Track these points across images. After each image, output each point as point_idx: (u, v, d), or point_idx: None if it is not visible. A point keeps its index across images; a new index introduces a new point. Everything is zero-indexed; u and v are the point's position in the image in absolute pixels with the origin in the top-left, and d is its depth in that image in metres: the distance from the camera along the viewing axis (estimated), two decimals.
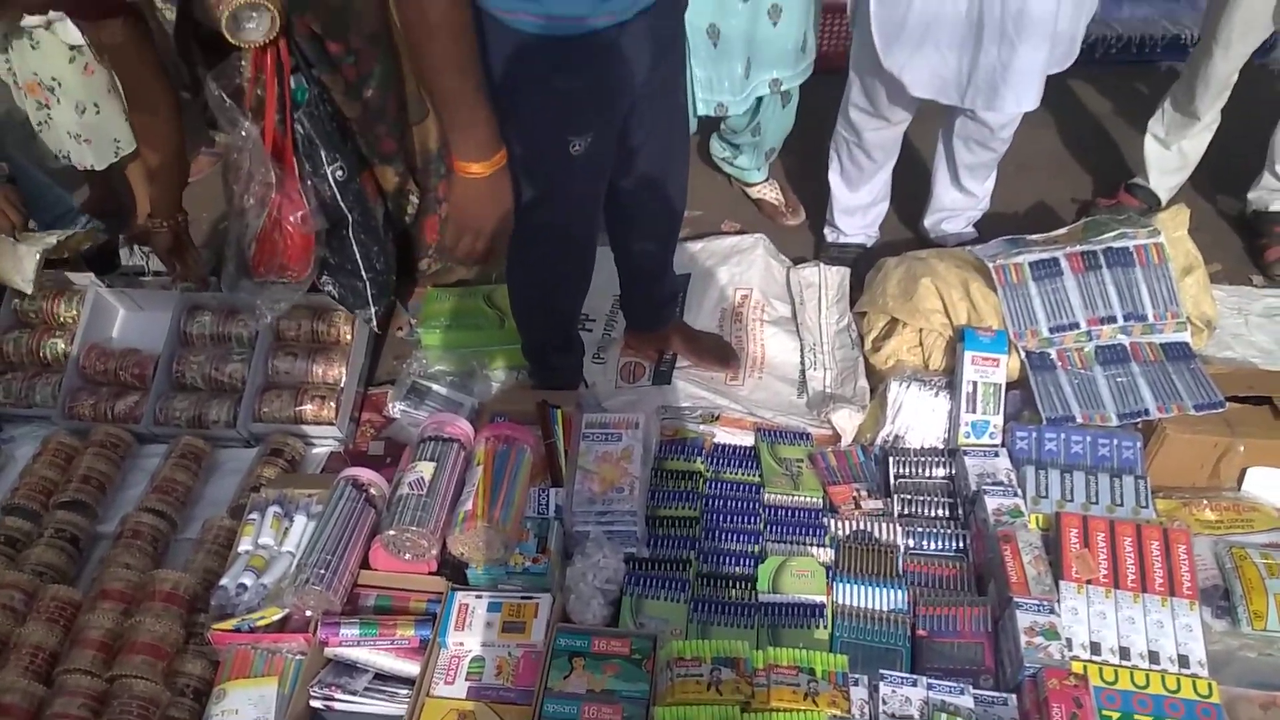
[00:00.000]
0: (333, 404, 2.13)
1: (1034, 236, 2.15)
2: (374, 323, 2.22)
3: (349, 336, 2.23)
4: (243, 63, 1.82)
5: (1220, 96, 2.35)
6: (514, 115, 1.40)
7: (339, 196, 1.96)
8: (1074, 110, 3.10)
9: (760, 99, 2.38)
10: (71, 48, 2.20)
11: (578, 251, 1.77)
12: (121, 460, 2.08)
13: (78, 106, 2.25)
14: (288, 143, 1.88)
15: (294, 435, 2.10)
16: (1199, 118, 2.39)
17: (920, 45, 1.93)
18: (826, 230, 2.54)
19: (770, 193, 2.73)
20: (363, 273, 2.11)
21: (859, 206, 2.44)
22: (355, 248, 2.07)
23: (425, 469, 1.68)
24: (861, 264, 2.43)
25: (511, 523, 1.64)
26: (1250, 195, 2.55)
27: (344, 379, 2.17)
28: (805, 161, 2.81)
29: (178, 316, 2.25)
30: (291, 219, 1.91)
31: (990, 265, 2.03)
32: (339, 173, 1.94)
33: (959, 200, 2.41)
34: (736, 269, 2.48)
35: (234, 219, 1.96)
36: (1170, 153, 2.51)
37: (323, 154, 1.91)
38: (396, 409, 2.18)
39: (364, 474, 1.76)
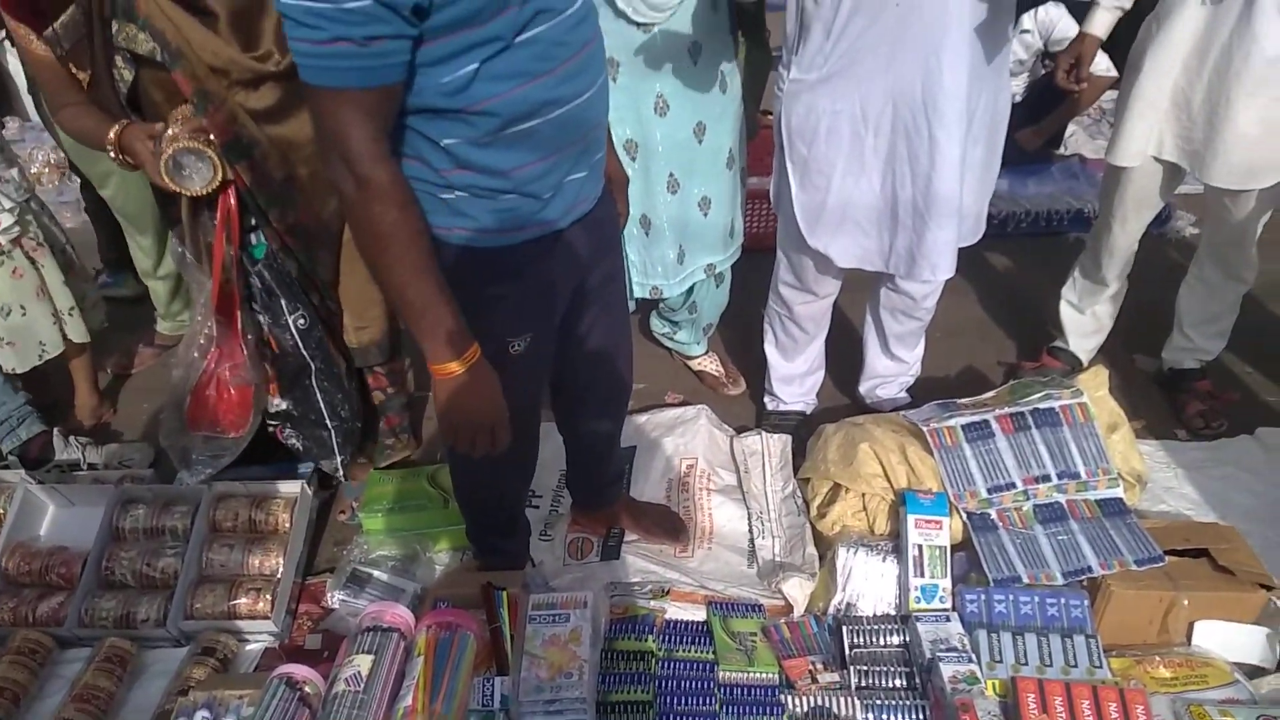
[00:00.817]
0: (269, 596, 2.05)
1: (964, 400, 2.22)
2: (341, 471, 2.19)
3: (288, 524, 2.18)
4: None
5: (1124, 265, 2.52)
6: None
7: (301, 344, 1.95)
8: (993, 279, 3.28)
9: (693, 285, 2.49)
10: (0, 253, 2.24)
11: (520, 443, 1.78)
12: (40, 668, 1.96)
13: (3, 309, 2.27)
14: (234, 295, 1.89)
15: (227, 632, 2.01)
16: (1107, 285, 2.55)
17: (841, 224, 2.05)
18: (766, 399, 2.60)
19: (710, 364, 2.80)
20: (327, 421, 2.10)
21: (795, 375, 2.51)
22: (319, 396, 2.06)
23: (363, 662, 1.61)
24: (802, 430, 2.48)
25: (454, 716, 1.57)
26: (1164, 354, 2.68)
27: (281, 569, 2.11)
28: (742, 332, 2.90)
29: (110, 510, 2.18)
30: (226, 371, 1.90)
31: (925, 429, 2.09)
32: (300, 321, 1.93)
33: (891, 367, 2.50)
34: (681, 439, 2.50)
35: (177, 370, 1.94)
36: (1085, 317, 2.65)
37: (283, 303, 1.91)
38: (335, 599, 2.10)
39: (298, 671, 1.67)
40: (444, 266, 1.33)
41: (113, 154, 1.72)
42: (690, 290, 2.55)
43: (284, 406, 2.10)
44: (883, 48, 1.81)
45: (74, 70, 1.69)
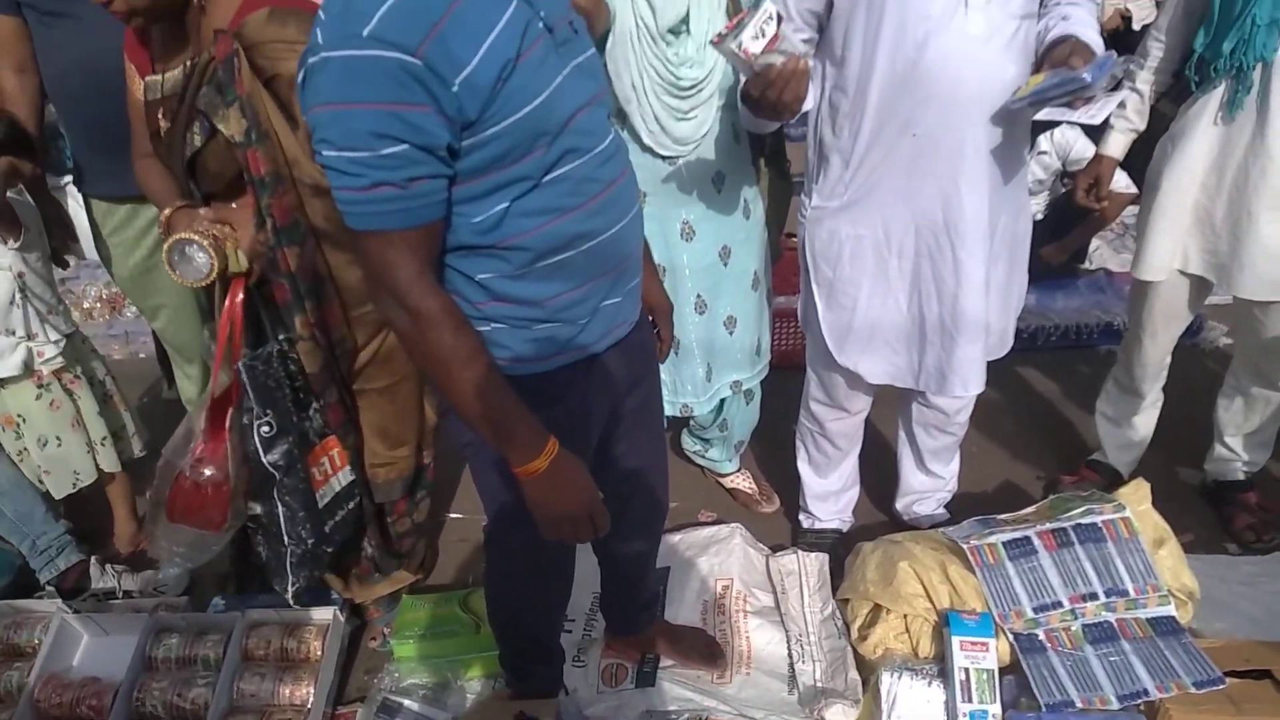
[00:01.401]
0: None
1: (1003, 516, 2.18)
2: (289, 595, 2.08)
3: (319, 652, 2.15)
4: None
5: (1158, 377, 2.50)
6: (488, 446, 1.39)
7: (261, 452, 1.90)
8: (1026, 393, 3.26)
9: (724, 399, 2.51)
10: (40, 386, 2.33)
11: (556, 571, 1.77)
12: None
13: (40, 440, 2.34)
14: (232, 390, 1.87)
15: None
16: (1143, 397, 2.53)
17: (869, 342, 2.08)
18: (801, 516, 2.57)
19: (744, 482, 2.79)
20: (285, 539, 2.00)
21: (830, 493, 2.49)
22: (280, 510, 1.98)
23: None
24: (839, 549, 2.44)
25: None
26: (1207, 466, 2.63)
27: (312, 699, 2.07)
28: (775, 449, 2.89)
29: (143, 640, 2.17)
30: (200, 468, 1.88)
31: (965, 547, 2.05)
32: (265, 429, 1.89)
33: (927, 483, 2.47)
34: (715, 559, 2.47)
35: (163, 459, 1.93)
36: (1122, 430, 2.62)
37: (254, 406, 1.87)
38: None
39: None
40: None
41: (160, 230, 1.80)
42: (720, 407, 2.57)
43: (257, 511, 2.07)
44: (901, 176, 1.87)
45: (160, 118, 1.76)
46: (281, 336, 1.82)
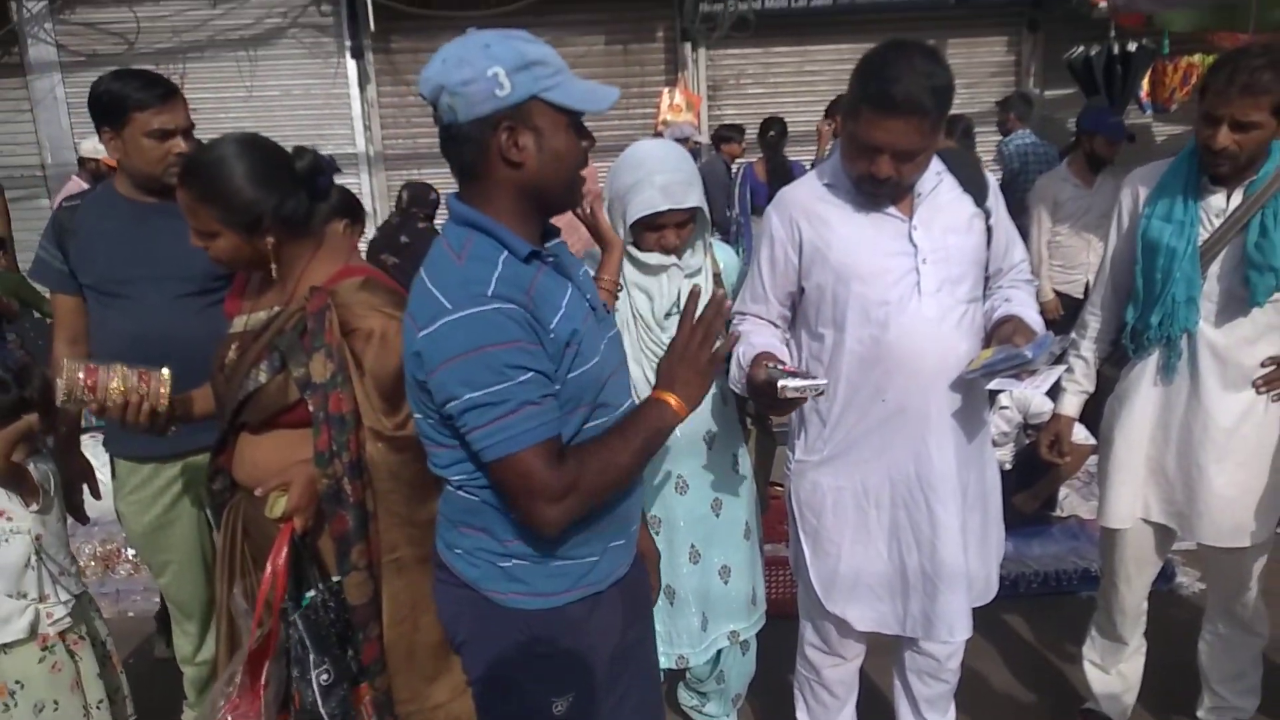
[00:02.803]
0: None
1: None
2: None
3: None
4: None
5: (1138, 623, 2.57)
6: (501, 680, 1.54)
7: (320, 701, 1.88)
8: (1014, 640, 3.30)
9: (720, 650, 2.54)
10: (44, 648, 2.33)
11: None
12: None
13: (36, 706, 2.30)
14: (270, 643, 1.88)
15: None
16: (1126, 643, 2.59)
17: (854, 589, 2.16)
18: None
19: None
20: None
21: None
22: None
23: None
24: None
25: None
26: (1199, 714, 2.64)
27: None
28: (772, 703, 2.87)
29: None
30: None
31: None
32: (324, 676, 1.88)
33: None
34: None
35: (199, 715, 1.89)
36: (1111, 676, 2.65)
37: (312, 657, 1.88)
38: None
39: None
40: (496, 630, 1.51)
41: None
42: (716, 660, 2.58)
43: None
44: (875, 435, 2.04)
45: (231, 349, 1.91)
46: (321, 585, 1.89)
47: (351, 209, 2.98)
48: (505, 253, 1.41)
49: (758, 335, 2.10)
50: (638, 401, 1.60)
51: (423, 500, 1.84)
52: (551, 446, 1.40)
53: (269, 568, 1.83)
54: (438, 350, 1.37)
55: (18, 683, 2.31)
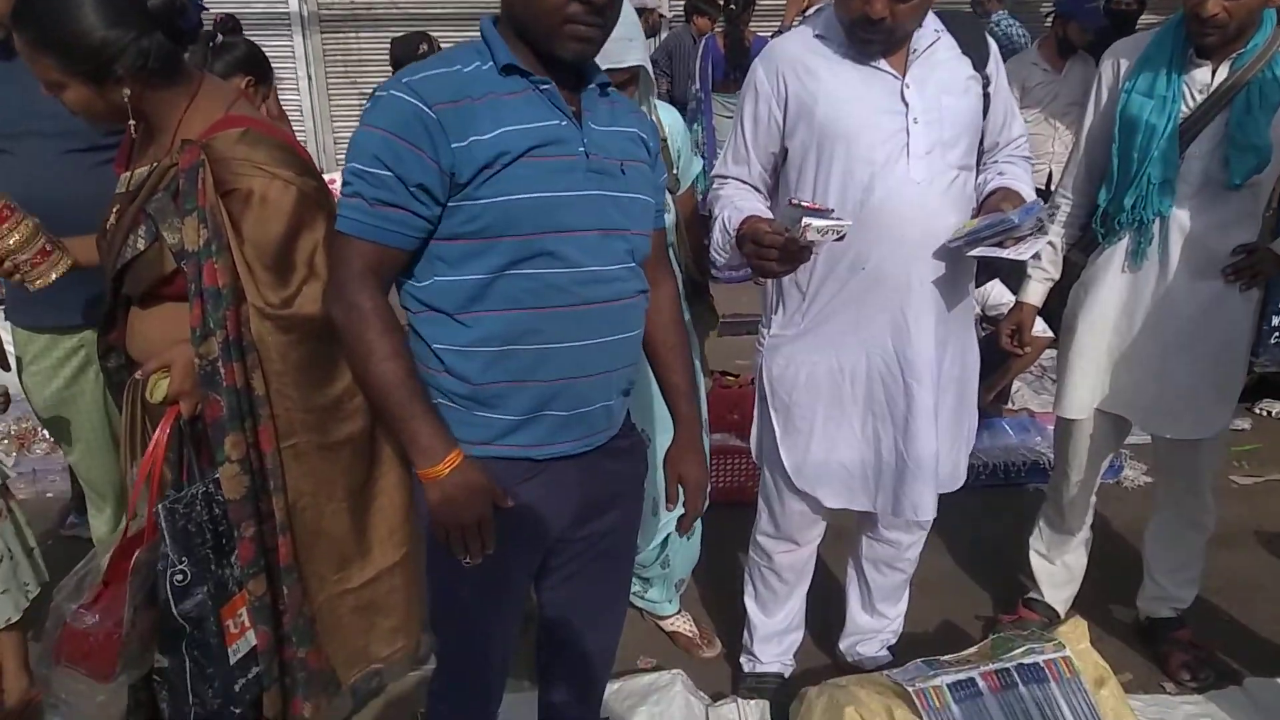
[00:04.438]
0: None
1: (947, 657, 2.16)
2: None
3: None
4: None
5: (1086, 514, 2.56)
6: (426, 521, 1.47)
7: (173, 603, 1.74)
8: (961, 532, 3.29)
9: (667, 537, 2.47)
10: None
11: (478, 689, 1.68)
12: None
13: None
14: (143, 533, 1.73)
15: None
16: (1073, 534, 2.58)
17: (825, 465, 2.10)
18: (743, 659, 2.51)
19: (684, 625, 2.72)
20: (190, 696, 1.82)
21: (775, 633, 2.44)
22: (187, 665, 1.80)
23: None
24: (780, 695, 2.37)
25: None
26: (1139, 604, 2.66)
27: None
28: (715, 589, 2.85)
29: None
30: (90, 614, 1.74)
31: (911, 690, 2.01)
32: (178, 577, 1.74)
33: (873, 624, 2.44)
34: (656, 708, 2.37)
35: (59, 594, 1.78)
36: (1056, 567, 2.65)
37: (169, 554, 1.72)
38: None
39: None
40: None
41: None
42: (663, 546, 2.53)
43: (163, 664, 1.90)
44: (853, 307, 1.95)
45: (112, 213, 1.73)
46: (209, 478, 1.74)
47: (257, 64, 2.73)
48: (487, 64, 1.40)
49: (743, 199, 1.98)
50: (638, 275, 1.51)
51: (318, 383, 1.68)
52: (365, 250, 1.38)
53: (148, 454, 1.68)
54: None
55: None
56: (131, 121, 1.64)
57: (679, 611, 2.73)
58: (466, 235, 1.38)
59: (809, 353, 2.02)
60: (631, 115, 1.56)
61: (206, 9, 1.81)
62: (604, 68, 1.91)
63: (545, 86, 1.41)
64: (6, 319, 2.37)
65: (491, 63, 1.40)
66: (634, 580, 2.71)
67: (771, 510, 2.27)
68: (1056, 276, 2.41)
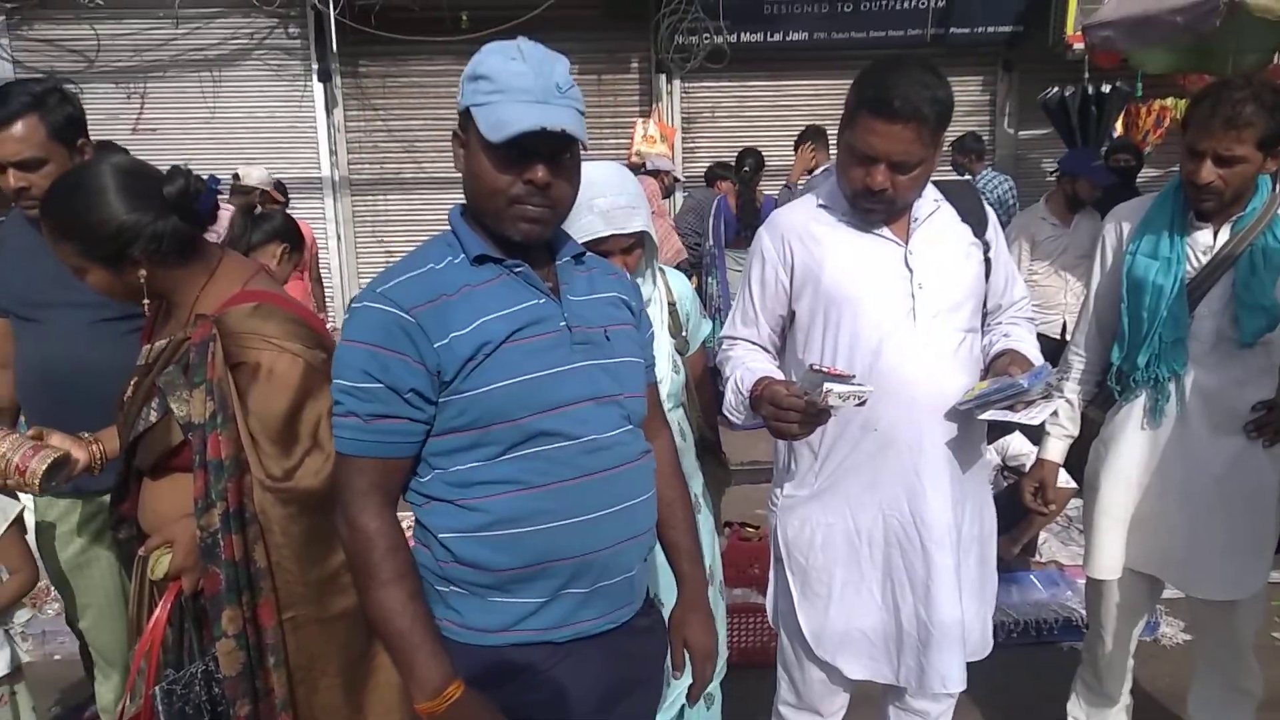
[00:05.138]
0: None
1: None
2: None
3: None
4: None
5: (1125, 678, 2.46)
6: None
7: None
8: (995, 693, 3.14)
9: (683, 707, 2.38)
10: None
11: None
12: None
13: None
14: (140, 715, 1.69)
15: None
16: (1113, 700, 2.47)
17: (846, 634, 2.03)
18: None
19: None
20: None
21: None
22: None
23: None
24: None
25: None
26: None
27: None
28: None
29: None
30: None
31: None
32: None
33: None
34: None
35: None
36: None
37: None
38: None
39: None
40: None
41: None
42: (681, 715, 2.42)
43: None
44: (866, 468, 1.93)
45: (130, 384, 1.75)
46: (209, 656, 1.69)
47: (290, 234, 2.86)
48: (456, 255, 1.42)
49: (754, 360, 2.00)
50: (634, 439, 1.50)
51: (317, 557, 1.68)
52: (367, 467, 1.37)
53: (147, 634, 1.66)
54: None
55: None
56: (146, 301, 1.71)
57: None
58: (460, 428, 1.37)
59: (824, 514, 2.00)
60: (609, 279, 1.56)
61: (222, 193, 1.90)
62: (609, 234, 1.99)
63: (519, 270, 1.42)
64: None
65: (463, 255, 1.41)
66: None
67: (792, 679, 2.18)
68: (1075, 433, 2.40)
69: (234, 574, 1.64)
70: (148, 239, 1.64)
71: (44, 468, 1.77)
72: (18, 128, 2.09)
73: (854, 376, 1.69)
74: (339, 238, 7.77)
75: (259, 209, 2.92)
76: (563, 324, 1.41)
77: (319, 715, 1.71)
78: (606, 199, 2.01)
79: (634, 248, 2.08)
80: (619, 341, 1.49)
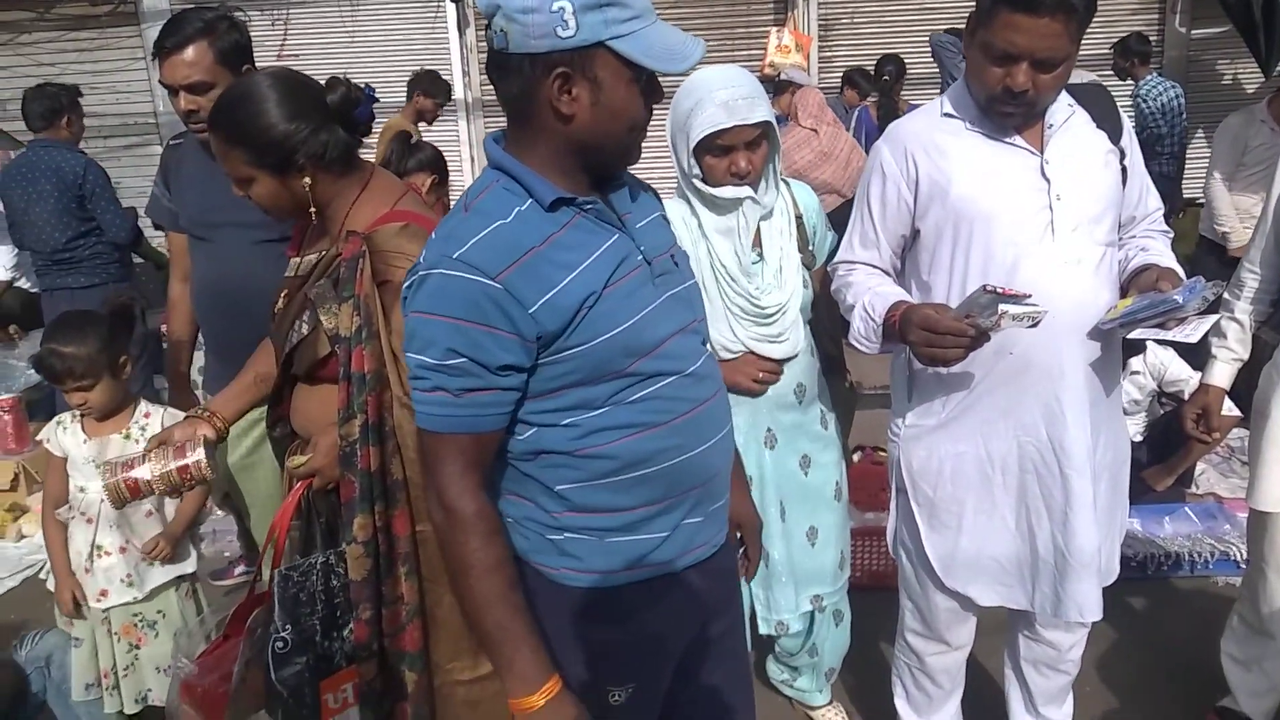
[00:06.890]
0: None
1: None
2: None
3: None
4: None
5: None
6: (554, 661, 1.37)
7: (272, 669, 1.73)
8: (1141, 628, 3.03)
9: (813, 619, 2.39)
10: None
11: None
12: None
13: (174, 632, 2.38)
14: (264, 597, 1.79)
15: None
16: (1274, 638, 2.32)
17: (977, 562, 1.98)
18: None
19: (836, 716, 2.60)
20: None
21: None
22: None
23: None
24: None
25: None
26: None
27: None
28: (869, 679, 2.72)
29: None
30: (200, 669, 1.79)
31: None
32: (279, 644, 1.73)
33: None
34: None
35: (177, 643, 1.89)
36: (1254, 674, 2.38)
37: (275, 621, 1.73)
38: None
39: None
40: (546, 606, 1.37)
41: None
42: (809, 631, 2.44)
43: None
44: (1000, 393, 1.85)
45: (281, 296, 1.84)
46: (331, 550, 1.76)
47: (439, 165, 2.93)
48: (525, 203, 1.29)
49: (882, 285, 1.92)
50: (713, 360, 1.45)
51: None
52: (461, 443, 1.30)
53: (276, 519, 1.77)
54: (408, 303, 1.31)
55: (159, 613, 2.53)
56: (313, 209, 1.76)
57: (830, 702, 2.62)
58: (574, 383, 1.30)
59: (953, 443, 1.93)
60: (644, 194, 1.47)
61: (378, 100, 1.94)
62: (731, 124, 1.94)
63: (590, 206, 1.33)
64: (204, 389, 2.59)
65: (530, 200, 1.29)
66: (782, 668, 2.64)
67: (918, 606, 2.15)
68: (1245, 356, 2.23)
69: (368, 483, 1.70)
70: (314, 145, 1.69)
71: (203, 459, 1.87)
72: (189, 52, 2.19)
73: (1029, 296, 1.62)
74: (472, 160, 7.88)
75: (414, 139, 3.01)
76: (639, 258, 1.35)
77: (440, 628, 1.77)
78: (727, 90, 1.96)
79: (758, 140, 2.02)
80: (683, 263, 1.47)
